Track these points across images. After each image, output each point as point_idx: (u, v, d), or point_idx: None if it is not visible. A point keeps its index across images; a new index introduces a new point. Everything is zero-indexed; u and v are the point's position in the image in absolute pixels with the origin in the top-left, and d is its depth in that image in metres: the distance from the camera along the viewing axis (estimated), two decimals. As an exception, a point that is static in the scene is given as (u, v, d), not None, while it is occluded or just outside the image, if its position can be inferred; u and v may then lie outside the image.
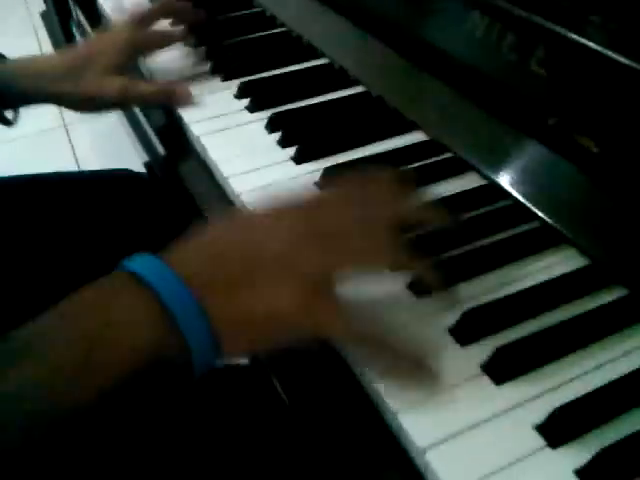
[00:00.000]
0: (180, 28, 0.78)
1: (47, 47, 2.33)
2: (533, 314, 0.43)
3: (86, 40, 0.72)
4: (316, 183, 0.55)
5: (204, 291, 0.36)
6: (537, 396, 0.39)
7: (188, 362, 0.36)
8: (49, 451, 0.34)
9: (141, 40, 0.72)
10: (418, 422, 0.37)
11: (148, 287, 0.35)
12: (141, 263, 0.37)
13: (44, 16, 2.24)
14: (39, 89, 0.69)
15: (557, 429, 0.37)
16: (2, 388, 0.33)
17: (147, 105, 0.74)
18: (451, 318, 0.43)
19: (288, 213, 0.41)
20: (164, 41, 0.74)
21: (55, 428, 0.34)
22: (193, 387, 0.54)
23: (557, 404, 0.38)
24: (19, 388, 0.33)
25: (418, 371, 0.39)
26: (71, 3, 1.24)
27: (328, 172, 0.56)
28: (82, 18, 1.06)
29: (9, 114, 0.74)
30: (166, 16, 0.77)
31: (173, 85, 0.70)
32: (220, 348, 0.37)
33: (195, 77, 0.74)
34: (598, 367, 0.40)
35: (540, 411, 0.38)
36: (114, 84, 0.68)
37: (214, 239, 0.40)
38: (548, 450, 0.36)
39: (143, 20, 0.72)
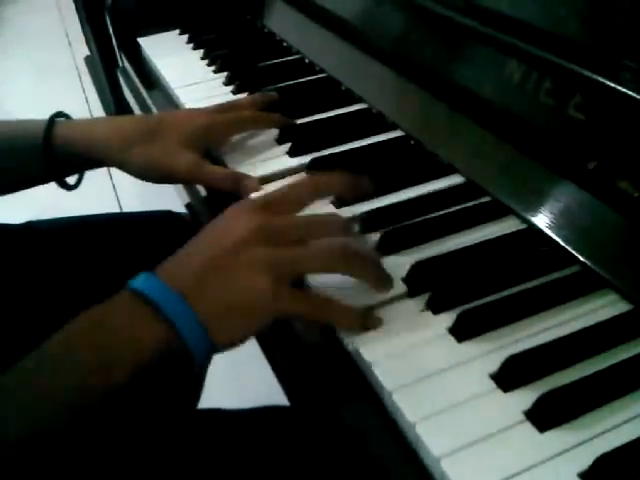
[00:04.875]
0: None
1: (90, 91, 2.41)
2: (576, 360, 0.43)
3: (161, 112, 0.70)
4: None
5: (189, 293, 0.43)
6: (581, 443, 0.39)
7: (188, 353, 0.43)
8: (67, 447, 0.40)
9: (219, 127, 0.69)
10: (462, 469, 0.37)
11: (145, 298, 0.43)
12: (139, 281, 0.44)
13: (88, 61, 2.32)
14: (108, 153, 0.68)
15: (601, 478, 0.37)
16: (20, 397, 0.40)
17: (211, 187, 0.69)
18: (494, 364, 0.43)
19: (245, 211, 0.49)
20: (242, 128, 0.72)
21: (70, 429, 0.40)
22: (238, 429, 0.55)
23: (601, 451, 0.37)
24: (36, 395, 0.40)
25: (368, 317, 0.47)
26: (116, 49, 1.29)
27: (366, 216, 0.57)
28: (127, 64, 1.10)
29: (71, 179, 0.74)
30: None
31: (243, 174, 0.66)
32: (211, 338, 0.43)
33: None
34: (643, 414, 0.40)
35: (584, 459, 0.37)
36: (184, 159, 0.65)
37: (189, 249, 0.48)
38: (593, 498, 0.36)
39: (223, 108, 0.72)
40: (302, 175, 0.65)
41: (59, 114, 0.71)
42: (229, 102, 0.75)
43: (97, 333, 0.43)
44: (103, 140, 0.68)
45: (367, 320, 0.47)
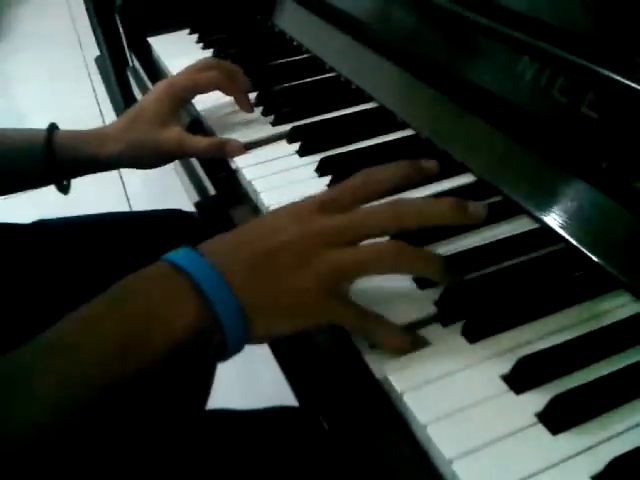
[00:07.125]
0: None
1: (100, 91, 2.41)
2: (589, 361, 0.42)
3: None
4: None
5: (235, 279, 0.42)
6: (594, 446, 0.38)
7: (222, 340, 0.42)
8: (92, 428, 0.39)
9: (180, 89, 0.73)
10: (474, 471, 0.37)
11: (186, 275, 0.41)
12: (180, 255, 0.43)
13: (98, 61, 2.33)
14: (101, 154, 0.72)
15: (615, 480, 0.36)
16: (54, 365, 0.38)
17: (200, 157, 0.76)
18: (506, 365, 0.42)
19: (305, 210, 0.46)
20: (205, 88, 0.75)
21: (98, 405, 0.39)
22: (243, 428, 0.55)
23: (615, 454, 0.37)
24: (68, 366, 0.38)
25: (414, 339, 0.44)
26: (126, 49, 1.29)
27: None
28: (137, 64, 1.10)
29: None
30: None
31: (225, 140, 0.71)
32: (248, 330, 0.42)
33: (245, 122, 0.76)
34: (658, 416, 0.39)
35: (597, 461, 0.37)
36: (170, 135, 0.70)
37: (240, 234, 0.46)
38: (606, 502, 0.36)
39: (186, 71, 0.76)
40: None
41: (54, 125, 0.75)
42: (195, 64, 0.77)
43: (131, 302, 0.41)
44: (97, 139, 0.72)
45: (413, 342, 0.44)
